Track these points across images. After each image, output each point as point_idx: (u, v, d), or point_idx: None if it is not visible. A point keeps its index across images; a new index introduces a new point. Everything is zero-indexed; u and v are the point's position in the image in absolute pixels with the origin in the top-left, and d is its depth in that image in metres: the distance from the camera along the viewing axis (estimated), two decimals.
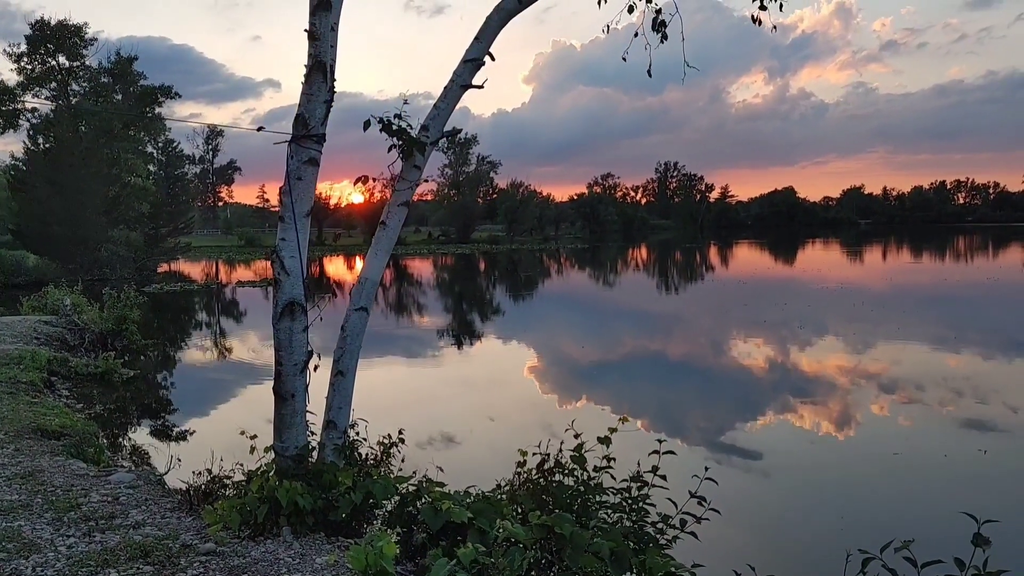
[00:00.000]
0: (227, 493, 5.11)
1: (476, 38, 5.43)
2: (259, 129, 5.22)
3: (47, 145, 41.81)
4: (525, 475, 4.94)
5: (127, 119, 44.82)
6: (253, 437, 5.17)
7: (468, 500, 4.39)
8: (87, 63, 46.06)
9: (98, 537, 4.56)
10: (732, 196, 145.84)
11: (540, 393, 13.03)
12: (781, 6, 5.87)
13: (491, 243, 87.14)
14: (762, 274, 39.39)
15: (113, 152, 41.85)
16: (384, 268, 5.45)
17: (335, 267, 55.13)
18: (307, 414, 5.00)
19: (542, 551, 3.94)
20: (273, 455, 4.92)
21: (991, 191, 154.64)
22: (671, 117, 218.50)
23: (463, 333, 21.00)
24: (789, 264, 48.62)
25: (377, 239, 5.41)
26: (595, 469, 4.75)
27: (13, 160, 43.51)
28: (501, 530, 3.87)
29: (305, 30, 4.73)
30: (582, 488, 4.65)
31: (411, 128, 5.27)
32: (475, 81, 5.47)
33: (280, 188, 4.85)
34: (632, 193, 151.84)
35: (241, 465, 5.25)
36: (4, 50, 45.19)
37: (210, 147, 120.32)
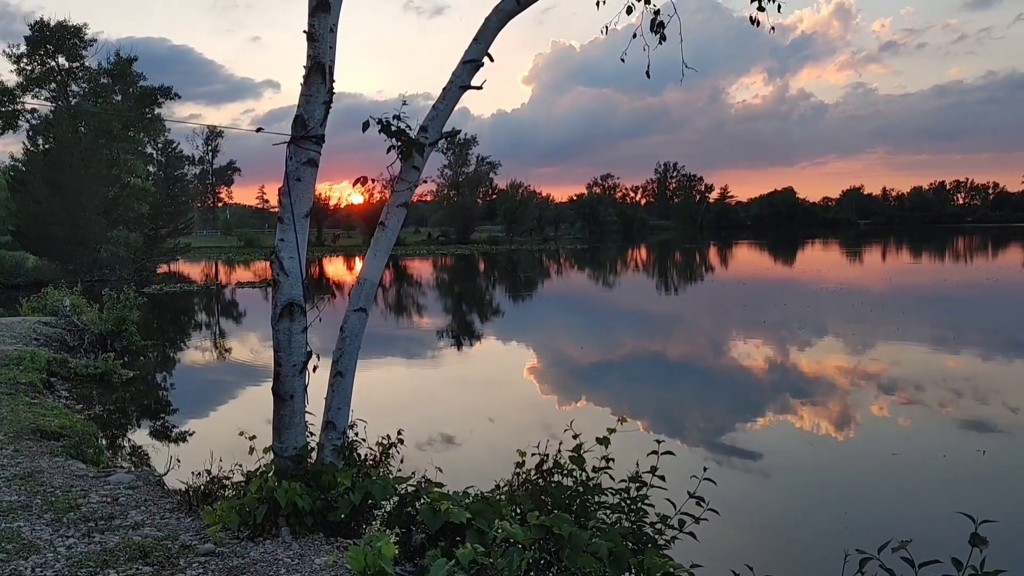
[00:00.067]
0: (226, 494, 5.11)
1: (475, 39, 5.43)
2: (258, 130, 5.23)
3: (46, 146, 41.85)
4: (524, 475, 4.94)
5: (127, 120, 44.86)
6: (252, 438, 5.17)
7: (467, 501, 4.40)
8: (87, 64, 46.19)
9: (97, 538, 4.56)
10: (732, 196, 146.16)
11: (539, 393, 13.03)
12: (779, 7, 5.88)
13: (490, 244, 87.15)
14: (761, 275, 39.41)
15: (112, 153, 41.85)
16: (383, 269, 5.46)
17: (334, 268, 55.14)
18: (306, 415, 5.01)
19: (541, 551, 3.94)
20: (272, 456, 4.93)
21: (990, 191, 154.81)
22: (671, 118, 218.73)
23: (462, 334, 21.00)
24: (788, 265, 48.64)
25: (376, 240, 5.42)
26: (594, 469, 4.76)
27: (13, 161, 43.62)
28: (500, 530, 3.87)
29: (304, 31, 4.73)
30: (581, 488, 4.66)
31: (410, 129, 5.28)
32: (474, 82, 5.47)
33: (279, 189, 4.86)
34: (632, 194, 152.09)
35: (240, 466, 5.26)
36: (4, 51, 45.33)
37: (209, 148, 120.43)
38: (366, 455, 5.36)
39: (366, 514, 4.83)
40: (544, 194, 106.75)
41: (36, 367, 11.31)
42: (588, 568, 3.66)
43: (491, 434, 10.21)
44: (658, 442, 4.58)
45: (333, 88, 4.86)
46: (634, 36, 5.98)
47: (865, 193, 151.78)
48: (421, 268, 52.66)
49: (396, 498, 4.66)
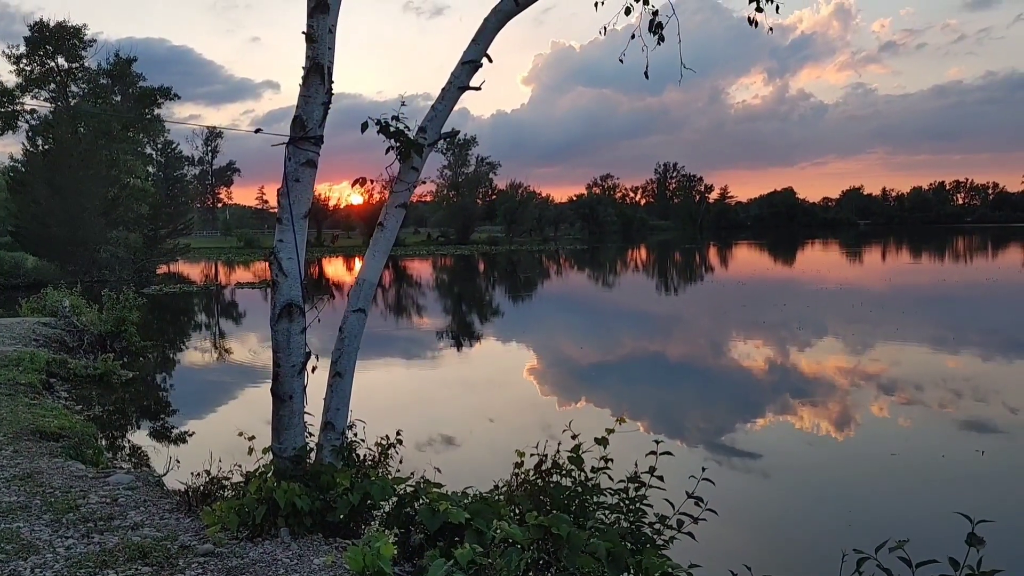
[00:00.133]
0: (225, 494, 5.12)
1: (473, 40, 5.44)
2: (257, 131, 5.23)
3: (46, 147, 41.86)
4: (523, 476, 4.95)
5: (126, 120, 44.85)
6: (251, 438, 5.18)
7: (466, 501, 4.40)
8: (86, 64, 46.15)
9: (96, 538, 4.56)
10: (731, 197, 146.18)
11: (539, 394, 13.04)
12: (777, 8, 5.88)
13: (490, 244, 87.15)
14: (761, 275, 39.41)
15: (112, 154, 41.86)
16: (382, 269, 5.46)
17: (334, 268, 55.14)
18: (305, 415, 5.01)
19: (539, 551, 3.95)
20: (271, 456, 4.93)
21: (990, 191, 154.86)
22: (670, 118, 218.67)
23: (462, 334, 21.01)
24: (788, 265, 48.65)
25: (375, 240, 5.42)
26: (593, 470, 4.77)
27: (12, 161, 43.62)
28: (498, 531, 3.88)
29: (303, 32, 4.74)
30: (579, 489, 4.67)
31: (408, 130, 5.29)
32: (473, 83, 5.48)
33: (278, 190, 4.86)
34: (631, 194, 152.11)
35: (239, 466, 5.27)
36: (3, 52, 45.23)
37: (209, 148, 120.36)
38: (365, 455, 5.37)
39: (365, 514, 4.83)
40: (544, 194, 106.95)
41: (35, 368, 11.32)
42: (586, 568, 3.66)
43: (490, 434, 10.21)
44: (656, 442, 4.59)
45: (332, 89, 4.87)
46: (632, 37, 5.99)
47: (865, 193, 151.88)
48: (421, 269, 52.67)
49: (395, 498, 4.66)
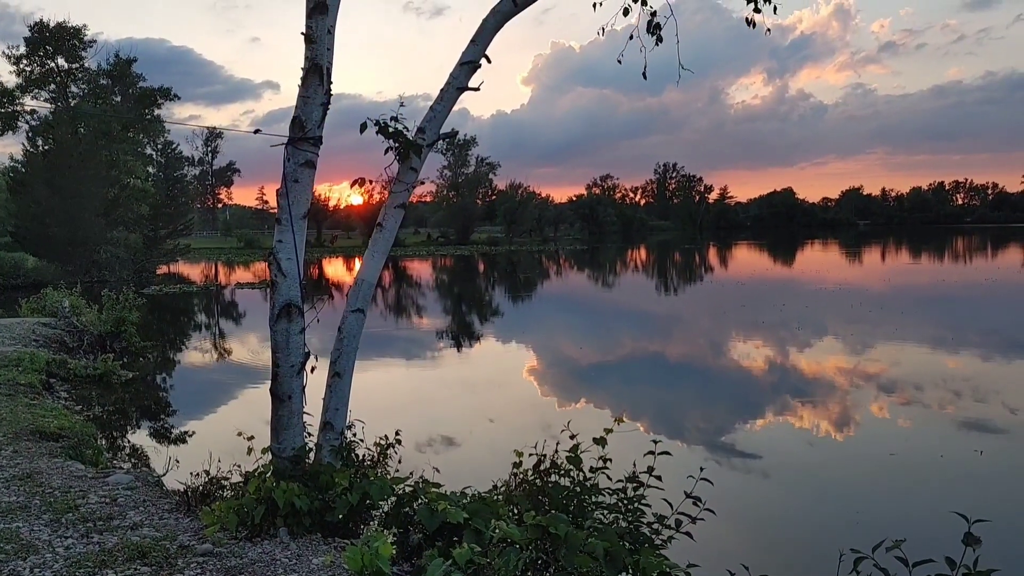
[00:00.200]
0: (224, 494, 5.13)
1: (472, 41, 5.45)
2: (256, 132, 5.24)
3: (46, 147, 41.84)
4: (521, 476, 4.96)
5: (126, 121, 44.81)
6: (250, 438, 5.19)
7: (464, 501, 4.41)
8: (86, 65, 46.07)
9: (96, 538, 4.57)
10: (731, 197, 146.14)
11: (538, 394, 13.05)
12: (775, 9, 5.90)
13: (490, 244, 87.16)
14: (761, 275, 39.42)
15: (112, 154, 41.83)
16: (381, 270, 5.47)
17: (334, 268, 55.14)
18: (304, 415, 5.02)
19: (537, 551, 3.96)
20: (270, 456, 4.94)
21: (990, 192, 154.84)
22: (670, 118, 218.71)
23: (462, 334, 21.01)
24: (788, 265, 48.66)
25: (374, 241, 5.43)
26: (591, 470, 4.78)
27: (12, 162, 43.59)
28: (497, 530, 3.89)
29: (302, 33, 4.74)
30: (578, 489, 4.68)
31: (407, 130, 5.30)
32: (472, 83, 5.49)
33: (277, 190, 4.87)
34: (631, 194, 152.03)
35: (239, 466, 5.27)
36: (3, 52, 45.22)
37: (209, 149, 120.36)
38: (364, 455, 5.38)
39: (364, 514, 4.84)
40: (544, 195, 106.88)
41: (35, 368, 11.33)
42: (584, 567, 3.67)
43: (490, 434, 10.22)
44: (654, 442, 4.60)
45: (331, 90, 4.87)
46: (631, 37, 6.00)
47: (864, 193, 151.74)
48: (420, 269, 52.67)
49: (394, 498, 4.67)
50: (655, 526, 4.47)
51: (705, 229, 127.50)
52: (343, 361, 5.25)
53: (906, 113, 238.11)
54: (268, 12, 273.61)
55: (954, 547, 2.77)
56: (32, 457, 6.57)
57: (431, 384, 13.99)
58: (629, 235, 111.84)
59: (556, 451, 4.90)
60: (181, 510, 5.17)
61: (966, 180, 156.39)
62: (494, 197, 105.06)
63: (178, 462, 6.68)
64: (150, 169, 50.54)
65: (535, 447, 5.00)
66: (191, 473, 5.43)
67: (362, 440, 5.49)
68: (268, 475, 4.78)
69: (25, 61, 44.68)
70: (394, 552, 3.93)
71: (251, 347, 18.46)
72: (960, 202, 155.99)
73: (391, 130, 5.18)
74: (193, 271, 51.35)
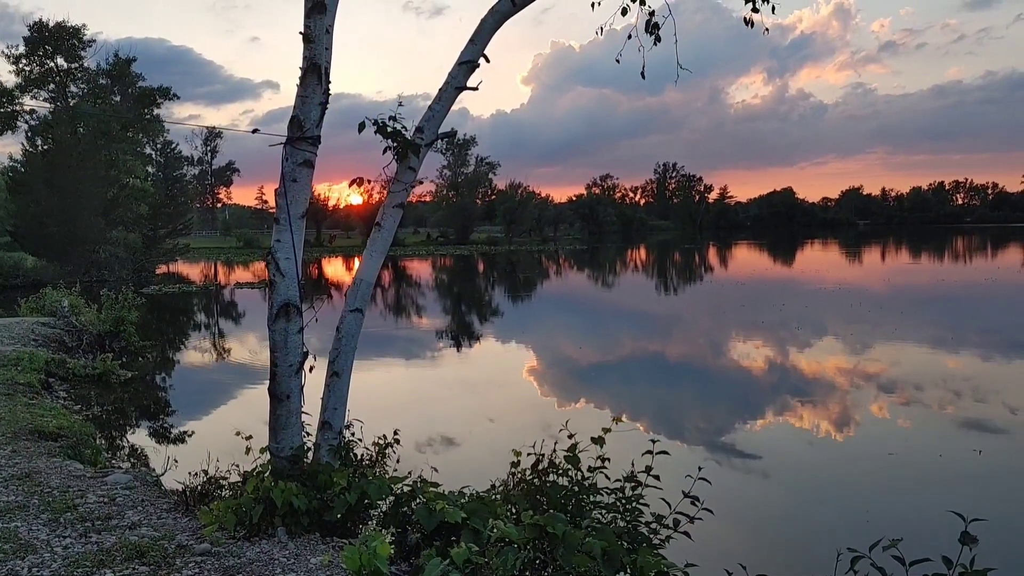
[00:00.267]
0: (223, 494, 5.13)
1: (471, 40, 5.45)
2: (254, 131, 5.24)
3: (45, 147, 41.84)
4: (519, 475, 4.96)
5: (125, 121, 44.79)
6: (248, 438, 5.19)
7: (462, 500, 4.41)
8: (85, 65, 46.04)
9: (94, 538, 4.57)
10: (731, 197, 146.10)
11: (538, 394, 13.05)
12: (773, 8, 5.90)
13: (490, 244, 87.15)
14: (760, 275, 39.43)
15: (111, 154, 41.82)
16: (379, 269, 5.47)
17: (333, 268, 55.13)
18: (303, 415, 5.02)
19: (535, 551, 3.96)
20: (268, 456, 4.94)
21: (989, 191, 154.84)
22: (670, 118, 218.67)
23: (461, 334, 21.02)
24: (787, 265, 48.67)
25: (372, 240, 5.43)
26: (589, 469, 4.78)
27: (11, 162, 43.58)
28: (494, 530, 3.89)
29: (300, 32, 4.74)
30: (576, 488, 4.68)
31: (406, 130, 5.30)
32: (470, 83, 5.49)
33: (275, 190, 4.87)
34: (631, 194, 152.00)
35: (237, 466, 5.28)
36: (3, 52, 45.11)
37: (208, 148, 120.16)
38: (362, 455, 5.38)
39: (362, 514, 4.84)
40: (543, 194, 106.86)
41: (34, 368, 11.33)
42: (582, 567, 3.67)
43: (489, 434, 10.22)
44: (653, 442, 4.60)
45: (329, 89, 4.87)
46: (629, 37, 6.00)
47: (864, 193, 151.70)
48: (420, 269, 52.68)
49: (392, 498, 4.67)
50: (653, 526, 4.47)
51: (705, 229, 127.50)
52: (341, 360, 5.25)
53: (906, 113, 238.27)
54: (268, 12, 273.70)
55: (952, 546, 2.78)
56: (31, 456, 6.57)
57: (430, 384, 13.99)
58: (629, 235, 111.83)
59: (554, 451, 4.91)
60: (179, 510, 5.17)
61: (966, 180, 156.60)
62: (494, 197, 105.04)
63: (176, 462, 6.68)
64: (149, 169, 50.51)
65: (533, 447, 5.00)
66: (189, 473, 5.43)
67: (360, 440, 5.49)
68: (266, 475, 4.77)
69: (24, 61, 44.65)
70: (392, 552, 3.93)
71: (250, 347, 18.46)
72: (960, 202, 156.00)
73: (389, 130, 5.18)
74: (192, 271, 51.35)
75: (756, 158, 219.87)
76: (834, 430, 10.14)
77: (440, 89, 5.49)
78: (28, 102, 44.67)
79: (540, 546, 3.96)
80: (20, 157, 41.92)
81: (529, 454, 4.99)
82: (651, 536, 4.43)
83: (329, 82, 4.86)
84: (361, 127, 5.11)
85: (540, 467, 4.88)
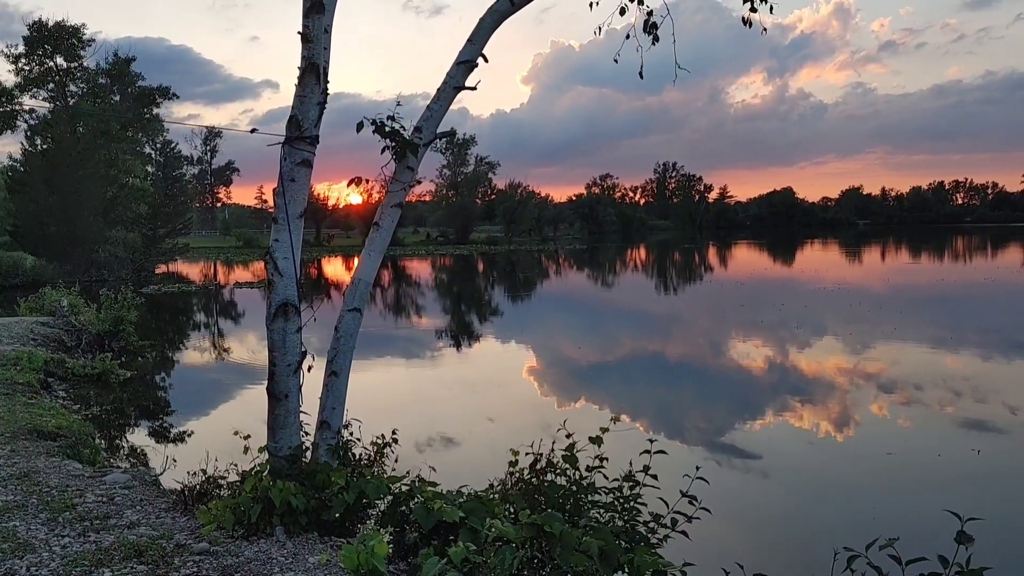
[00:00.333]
0: (221, 493, 5.13)
1: (469, 40, 5.46)
2: (253, 131, 5.25)
3: (45, 146, 41.83)
4: (517, 475, 4.96)
5: (125, 120, 44.81)
6: (247, 437, 5.19)
7: (460, 500, 4.41)
8: (85, 64, 46.08)
9: (92, 537, 4.57)
10: (731, 196, 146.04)
11: (537, 394, 13.05)
12: (771, 8, 5.90)
13: (489, 244, 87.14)
14: (760, 275, 39.43)
15: (111, 153, 41.83)
16: (377, 269, 5.48)
17: (332, 268, 55.13)
18: (301, 414, 5.03)
19: (533, 550, 3.96)
20: (267, 455, 4.94)
21: (989, 191, 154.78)
22: (670, 117, 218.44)
23: (460, 334, 21.02)
24: (787, 265, 48.68)
25: (371, 240, 5.44)
26: (587, 469, 4.78)
27: (11, 161, 43.59)
28: (492, 529, 3.89)
29: (299, 32, 4.75)
30: (574, 488, 4.68)
31: (404, 129, 5.30)
32: (469, 82, 5.49)
33: (274, 190, 4.87)
34: (631, 194, 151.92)
35: (235, 465, 5.28)
36: (2, 51, 45.12)
37: (208, 148, 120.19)
38: (361, 454, 5.38)
39: (360, 513, 4.85)
40: (543, 194, 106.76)
41: (33, 367, 11.33)
42: (579, 566, 3.67)
43: (487, 434, 10.22)
44: (651, 441, 4.60)
45: (328, 89, 4.88)
46: (627, 37, 6.00)
47: (864, 193, 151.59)
48: (419, 268, 52.67)
49: (390, 497, 4.68)
50: (651, 525, 4.47)
51: (705, 228, 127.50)
52: (340, 360, 5.26)
53: (906, 112, 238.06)
54: (267, 11, 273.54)
55: (950, 546, 2.78)
56: (29, 456, 6.57)
57: (429, 384, 13.99)
58: (629, 234, 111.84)
59: (552, 450, 4.91)
60: (178, 509, 5.18)
61: (966, 180, 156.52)
62: (493, 196, 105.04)
63: (175, 461, 6.69)
64: (149, 168, 50.57)
65: (531, 446, 5.01)
66: (188, 472, 5.43)
67: (359, 439, 5.50)
68: (265, 474, 4.78)
69: (24, 60, 44.68)
70: (390, 551, 3.93)
71: (249, 346, 18.46)
72: (960, 202, 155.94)
73: (387, 129, 5.19)
74: (192, 270, 51.35)
75: (756, 158, 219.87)
76: (833, 430, 10.14)
77: (439, 89, 5.49)
78: (27, 101, 44.75)
79: (538, 545, 3.97)
80: (19, 156, 41.97)
81: (527, 453, 4.99)
82: (649, 535, 4.43)
83: (327, 82, 4.86)
84: (359, 127, 5.12)
85: (538, 466, 4.88)
